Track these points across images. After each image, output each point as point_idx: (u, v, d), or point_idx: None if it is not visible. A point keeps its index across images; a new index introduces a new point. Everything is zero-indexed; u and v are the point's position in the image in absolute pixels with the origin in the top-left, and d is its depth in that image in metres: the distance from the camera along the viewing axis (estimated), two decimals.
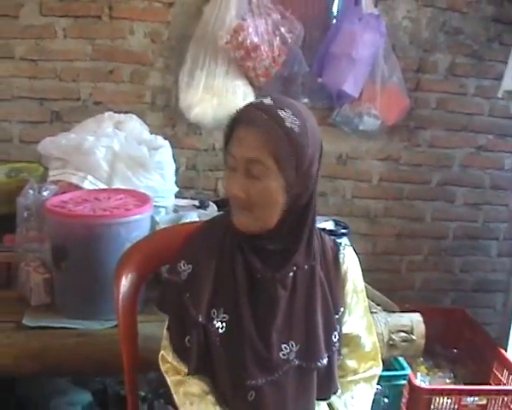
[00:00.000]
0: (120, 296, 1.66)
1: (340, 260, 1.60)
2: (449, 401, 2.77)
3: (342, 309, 1.58)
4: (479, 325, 3.40)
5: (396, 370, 2.72)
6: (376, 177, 3.39)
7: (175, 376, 1.55)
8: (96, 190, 2.19)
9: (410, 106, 3.25)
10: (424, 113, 3.35)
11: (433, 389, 2.78)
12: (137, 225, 1.93)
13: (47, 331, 1.90)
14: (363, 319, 1.65)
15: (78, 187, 2.22)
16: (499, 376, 3.05)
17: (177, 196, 2.55)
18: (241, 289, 1.47)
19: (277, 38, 2.92)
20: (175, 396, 1.55)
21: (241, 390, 1.47)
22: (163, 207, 2.34)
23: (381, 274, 3.35)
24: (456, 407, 2.78)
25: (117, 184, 2.24)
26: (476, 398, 2.83)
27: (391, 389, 2.68)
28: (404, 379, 2.70)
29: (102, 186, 2.24)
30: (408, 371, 2.71)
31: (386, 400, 2.70)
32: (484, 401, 2.80)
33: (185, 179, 3.07)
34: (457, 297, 3.67)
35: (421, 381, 3.03)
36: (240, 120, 1.37)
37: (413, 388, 2.76)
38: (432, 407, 2.75)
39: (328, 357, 1.52)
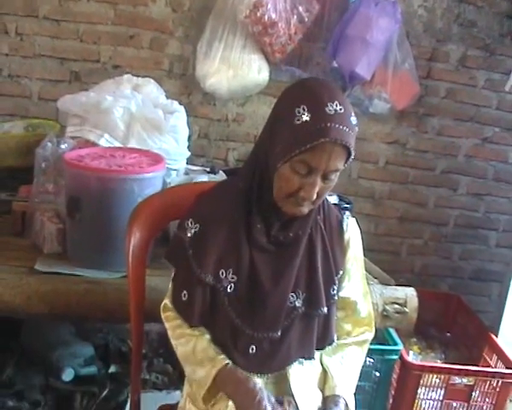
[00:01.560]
0: (131, 248, 1.75)
1: (344, 228, 1.69)
2: (438, 379, 2.86)
3: (342, 272, 1.67)
4: (473, 312, 3.46)
5: (389, 345, 2.81)
6: (383, 159, 3.45)
7: (175, 321, 1.64)
8: (111, 147, 2.28)
9: (421, 93, 3.31)
10: (433, 101, 3.40)
11: (424, 366, 2.85)
12: (150, 183, 2.02)
13: (57, 277, 2.00)
14: (360, 286, 1.74)
15: (94, 144, 2.31)
16: (488, 360, 3.12)
17: (188, 163, 2.64)
18: (256, 249, 1.56)
19: (295, 17, 2.98)
20: (172, 339, 1.65)
21: (244, 345, 1.57)
22: (175, 169, 2.42)
23: (381, 255, 3.41)
24: (444, 385, 2.85)
25: (132, 144, 2.33)
26: (464, 379, 2.92)
27: (383, 363, 2.76)
28: (396, 354, 2.77)
29: (118, 145, 2.32)
30: (400, 346, 2.79)
31: (377, 373, 2.79)
32: (471, 382, 2.87)
33: (197, 147, 3.15)
34: (454, 284, 3.73)
35: (413, 359, 3.11)
36: (322, 138, 1.36)
37: (404, 363, 2.84)
38: (421, 382, 2.83)
39: (327, 307, 1.62)
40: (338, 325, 1.72)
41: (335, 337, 1.70)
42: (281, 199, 1.50)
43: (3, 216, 2.34)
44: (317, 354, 1.68)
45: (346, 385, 1.64)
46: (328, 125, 1.37)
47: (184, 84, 3.15)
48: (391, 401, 2.94)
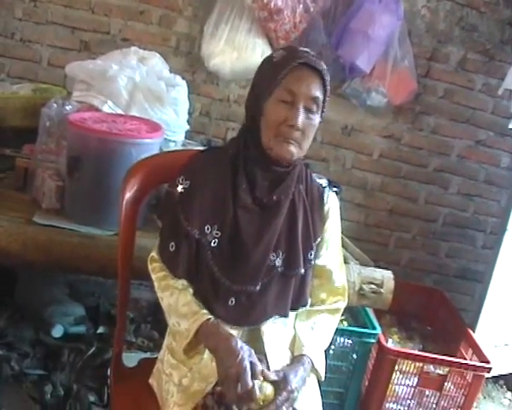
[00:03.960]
0: (124, 203, 1.85)
1: (325, 199, 1.80)
2: (412, 366, 2.95)
3: (320, 240, 1.78)
4: (454, 308, 3.53)
5: (368, 328, 2.90)
6: (377, 152, 3.54)
7: (160, 272, 1.74)
8: (114, 114, 2.37)
9: (418, 91, 3.39)
10: (431, 99, 3.49)
11: (399, 352, 2.93)
12: (147, 148, 2.11)
13: (53, 229, 2.10)
14: (336, 258, 1.85)
15: (98, 109, 2.40)
16: (464, 354, 3.21)
17: (187, 138, 2.73)
18: (240, 208, 1.66)
19: (301, 6, 3.07)
20: (157, 291, 1.75)
21: (224, 297, 1.67)
22: (173, 141, 2.51)
23: (369, 245, 3.49)
24: (418, 372, 2.94)
25: (133, 113, 2.41)
26: (438, 369, 3.02)
27: (360, 346, 2.85)
28: (374, 338, 2.86)
29: (120, 112, 2.41)
30: (378, 330, 2.88)
31: (354, 356, 2.89)
32: (444, 372, 2.96)
33: (198, 124, 3.24)
34: (439, 280, 3.82)
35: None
36: (301, 61, 1.57)
37: (381, 347, 2.92)
38: (396, 368, 2.91)
39: (304, 270, 1.73)
40: (313, 292, 1.82)
41: (309, 300, 1.80)
42: (269, 140, 1.62)
43: (7, 172, 2.42)
44: (291, 317, 1.78)
45: (313, 347, 1.73)
46: (303, 54, 1.60)
47: (189, 63, 3.23)
48: (366, 383, 3.04)
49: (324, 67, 1.60)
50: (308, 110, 1.60)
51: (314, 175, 1.82)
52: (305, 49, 1.63)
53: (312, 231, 1.75)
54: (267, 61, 1.65)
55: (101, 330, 2.98)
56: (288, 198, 1.70)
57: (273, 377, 1.58)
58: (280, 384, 1.58)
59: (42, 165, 2.31)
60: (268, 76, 1.60)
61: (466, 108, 3.55)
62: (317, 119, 1.63)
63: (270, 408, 1.55)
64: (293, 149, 1.62)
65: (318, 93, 1.59)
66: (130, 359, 2.14)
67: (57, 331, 2.87)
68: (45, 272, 3.02)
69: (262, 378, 1.56)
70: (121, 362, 2.01)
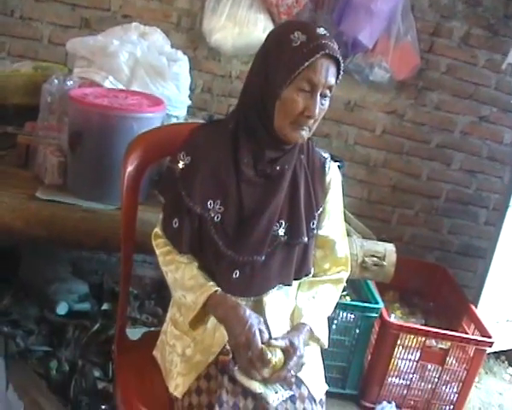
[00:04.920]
0: (126, 176, 1.86)
1: (326, 170, 1.80)
2: (414, 340, 2.97)
3: (321, 209, 1.78)
4: (457, 285, 3.56)
5: (370, 303, 2.92)
6: (380, 128, 3.52)
7: (165, 248, 1.75)
8: (115, 89, 2.37)
9: (421, 66, 3.37)
10: (434, 75, 3.47)
11: (402, 326, 2.96)
12: (149, 123, 2.10)
13: (56, 204, 2.11)
14: (339, 228, 1.85)
15: (99, 85, 2.39)
16: (466, 329, 3.23)
17: (189, 114, 2.73)
18: (243, 182, 1.67)
19: None
20: (162, 266, 1.75)
21: (228, 270, 1.67)
22: (175, 116, 2.51)
23: (372, 221, 3.47)
24: (420, 346, 2.97)
25: (135, 88, 2.41)
26: (441, 344, 3.04)
27: (363, 320, 2.89)
28: (377, 313, 2.90)
29: (121, 87, 2.41)
30: (381, 305, 2.91)
31: (357, 330, 2.91)
32: (447, 346, 2.98)
33: (199, 101, 3.23)
34: (441, 256, 3.82)
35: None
36: (321, 50, 1.53)
37: (383, 322, 2.95)
38: (398, 342, 2.94)
39: (307, 238, 1.73)
40: (316, 263, 1.83)
41: (312, 269, 1.81)
42: (285, 125, 1.61)
43: (8, 150, 2.42)
44: (293, 287, 1.79)
45: (313, 316, 1.73)
46: (323, 41, 1.55)
47: (191, 39, 3.21)
48: (369, 357, 3.06)
49: (338, 51, 1.58)
50: (323, 97, 1.60)
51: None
52: (322, 31, 1.58)
53: (314, 200, 1.75)
54: (285, 44, 1.56)
55: (105, 306, 3.00)
56: (291, 169, 1.70)
57: (281, 343, 1.59)
58: (288, 350, 1.59)
59: (43, 141, 2.31)
60: (288, 63, 1.55)
61: (469, 84, 3.53)
62: (328, 103, 1.63)
63: (281, 373, 1.57)
64: (304, 134, 1.63)
65: (334, 81, 1.59)
66: (135, 334, 2.17)
67: (62, 309, 2.89)
68: (48, 249, 3.04)
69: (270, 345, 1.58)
70: (125, 335, 2.03)
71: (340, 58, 1.57)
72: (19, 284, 2.99)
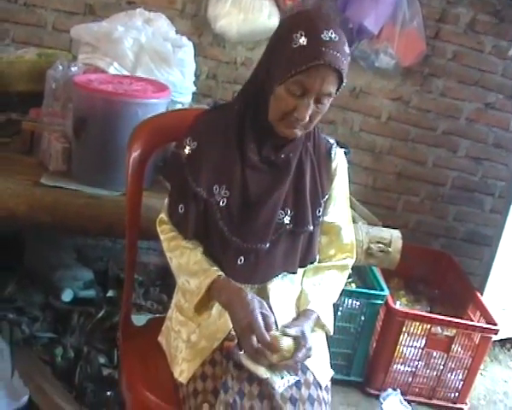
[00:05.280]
0: (130, 162, 1.86)
1: (332, 156, 1.79)
2: (420, 327, 2.96)
3: (327, 197, 1.78)
4: (462, 272, 3.55)
5: (375, 290, 2.92)
6: (385, 115, 3.50)
7: (169, 233, 1.75)
8: (120, 75, 2.36)
9: (427, 53, 3.35)
10: (440, 62, 3.44)
11: (407, 313, 2.95)
12: (154, 109, 2.10)
13: (60, 190, 2.11)
14: (344, 214, 1.84)
15: (103, 71, 2.39)
16: (472, 316, 3.22)
17: (194, 101, 2.72)
18: (248, 167, 1.66)
19: None
20: (166, 251, 1.75)
21: (233, 256, 1.67)
22: (180, 102, 2.50)
23: (377, 209, 3.43)
24: (425, 333, 2.96)
25: (140, 74, 2.41)
26: (446, 331, 3.03)
27: (368, 307, 2.88)
28: (382, 300, 2.89)
29: (126, 74, 2.40)
30: (386, 292, 2.90)
31: (362, 317, 2.91)
32: (452, 334, 2.98)
33: (204, 87, 3.22)
34: (447, 244, 3.80)
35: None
36: (317, 60, 1.48)
37: (389, 309, 2.94)
38: (404, 329, 2.94)
39: (312, 227, 1.72)
40: (322, 249, 1.83)
41: (317, 257, 1.80)
42: (276, 120, 1.61)
43: (13, 137, 2.41)
44: (299, 274, 1.79)
45: (319, 302, 1.73)
46: (323, 49, 1.49)
47: (195, 25, 3.19)
48: (374, 345, 3.06)
49: (344, 60, 1.52)
50: (318, 102, 1.56)
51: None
52: (328, 35, 1.49)
53: (320, 187, 1.74)
54: (286, 42, 1.52)
55: (110, 293, 3.00)
56: (296, 156, 1.69)
57: (293, 332, 1.58)
58: (299, 341, 1.58)
59: (48, 128, 2.31)
60: (284, 63, 1.52)
61: (475, 71, 3.50)
62: (326, 107, 1.60)
63: (289, 363, 1.56)
64: (298, 132, 1.62)
65: (332, 89, 1.55)
66: (140, 321, 2.18)
67: (67, 296, 2.89)
68: (53, 236, 3.04)
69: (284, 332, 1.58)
70: (130, 322, 2.03)
71: (342, 68, 1.51)
72: (23, 271, 2.99)
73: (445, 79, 3.50)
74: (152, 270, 3.34)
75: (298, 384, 1.61)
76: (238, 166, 1.65)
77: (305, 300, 1.73)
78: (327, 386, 1.72)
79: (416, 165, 3.64)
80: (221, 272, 1.65)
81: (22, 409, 2.31)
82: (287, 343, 1.55)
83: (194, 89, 2.62)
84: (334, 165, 1.79)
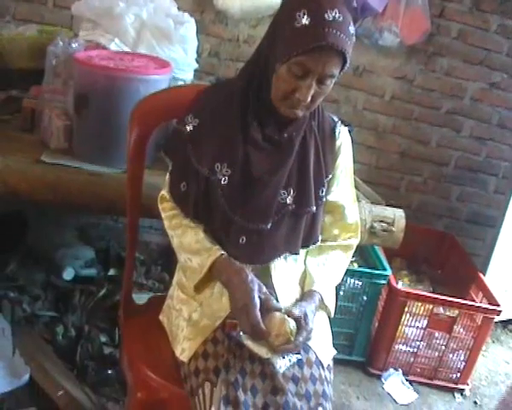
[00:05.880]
0: (132, 138, 1.83)
1: (336, 135, 1.77)
2: (422, 308, 2.96)
3: (331, 176, 1.76)
4: (465, 253, 3.54)
5: (378, 270, 2.90)
6: (389, 94, 3.47)
7: (171, 211, 1.73)
8: (121, 52, 2.33)
9: (432, 31, 3.30)
10: (444, 40, 3.40)
11: (409, 293, 2.94)
12: (155, 85, 2.06)
13: (61, 168, 2.09)
14: (349, 193, 1.83)
15: (105, 48, 2.36)
16: (474, 297, 3.22)
17: (196, 79, 2.70)
18: (251, 145, 1.64)
19: None
20: (168, 229, 1.74)
21: (235, 235, 1.66)
22: (181, 79, 2.48)
23: (380, 188, 3.39)
24: (427, 314, 2.96)
25: (141, 51, 2.37)
26: (448, 311, 3.02)
27: (370, 287, 2.87)
28: (385, 279, 2.88)
29: (127, 50, 2.37)
30: (389, 272, 2.89)
31: (364, 297, 2.90)
32: (454, 314, 2.97)
33: (207, 65, 3.19)
34: (450, 224, 3.79)
35: None
36: (320, 41, 1.44)
37: (391, 289, 2.93)
38: (406, 310, 2.93)
39: (315, 207, 1.71)
40: (326, 229, 1.81)
41: (320, 237, 1.78)
42: (278, 100, 1.58)
43: (14, 114, 2.39)
44: (302, 253, 1.77)
45: (323, 283, 1.72)
46: (326, 30, 1.45)
47: (197, 2, 3.15)
48: (376, 324, 3.05)
49: (348, 41, 1.48)
50: (321, 83, 1.53)
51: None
52: (332, 15, 1.45)
53: (324, 167, 1.72)
54: (289, 20, 1.49)
55: (111, 272, 2.99)
56: (300, 135, 1.67)
57: (296, 313, 1.58)
58: (301, 322, 1.57)
59: (49, 105, 2.28)
60: (286, 42, 1.49)
61: (480, 50, 3.46)
62: (329, 87, 1.57)
63: (289, 346, 1.55)
64: (299, 112, 1.60)
65: (335, 70, 1.51)
66: (141, 300, 2.17)
67: (68, 274, 2.89)
68: (55, 215, 3.03)
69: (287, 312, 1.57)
70: (131, 300, 2.03)
71: (346, 49, 1.47)
72: (25, 250, 2.98)
73: (450, 57, 3.46)
74: (154, 249, 3.34)
75: (300, 363, 1.60)
76: (240, 145, 1.63)
77: (309, 280, 1.73)
78: (329, 365, 1.72)
79: (419, 144, 3.61)
80: (223, 252, 1.64)
81: (23, 388, 2.31)
82: (288, 326, 1.55)
83: (196, 66, 2.60)
84: (338, 143, 1.77)
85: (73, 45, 2.30)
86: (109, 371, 2.47)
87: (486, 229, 3.80)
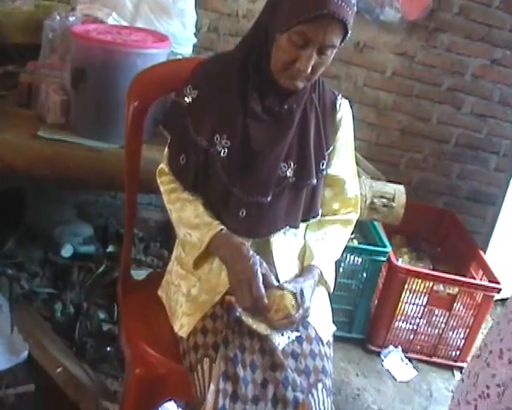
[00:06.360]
0: (130, 112, 1.81)
1: (337, 107, 1.76)
2: (422, 285, 2.95)
3: (332, 149, 1.74)
4: (465, 230, 3.53)
5: (378, 247, 2.89)
6: (390, 70, 3.43)
7: (170, 185, 1.71)
8: (119, 26, 2.30)
9: (433, 7, 3.27)
10: (446, 16, 3.36)
11: (409, 270, 2.93)
12: (153, 59, 2.03)
13: (59, 143, 2.08)
14: (349, 167, 1.81)
15: (102, 22, 2.33)
16: (474, 274, 3.21)
17: (195, 54, 2.67)
18: (251, 117, 1.61)
19: None
20: (167, 204, 1.73)
21: (235, 208, 1.64)
22: (180, 54, 2.45)
23: (380, 165, 3.35)
24: (427, 291, 2.95)
25: (139, 25, 2.34)
26: (448, 289, 3.02)
27: (370, 264, 2.86)
28: (384, 256, 2.87)
29: (125, 24, 2.34)
30: (389, 249, 2.88)
31: (364, 274, 2.89)
32: (454, 292, 2.96)
33: (205, 41, 3.15)
34: (450, 202, 3.77)
35: None
36: (321, 10, 1.42)
37: (391, 266, 2.92)
38: (406, 287, 2.92)
39: (316, 180, 1.69)
40: (326, 204, 1.80)
41: (320, 211, 1.77)
42: (277, 71, 1.56)
43: (10, 89, 2.37)
44: (301, 227, 1.75)
45: (323, 258, 1.71)
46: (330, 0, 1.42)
47: None
48: (375, 302, 3.05)
49: (349, 10, 1.46)
50: (321, 53, 1.51)
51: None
52: None
53: (324, 140, 1.71)
54: None
55: (110, 249, 2.98)
56: (300, 107, 1.65)
57: (291, 288, 1.57)
58: (297, 298, 1.56)
59: (46, 80, 2.25)
60: (286, 12, 1.48)
61: (482, 26, 3.42)
62: (330, 58, 1.55)
63: (288, 321, 1.54)
64: (299, 83, 1.58)
65: (336, 40, 1.50)
66: (140, 276, 2.19)
67: (66, 251, 2.88)
68: (54, 191, 3.01)
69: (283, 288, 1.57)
70: (129, 276, 2.02)
71: (347, 18, 1.46)
72: (24, 227, 2.97)
73: (451, 33, 3.41)
74: (152, 226, 3.33)
75: (299, 339, 1.59)
76: (240, 116, 1.61)
77: (309, 255, 1.71)
78: (329, 341, 1.71)
79: (419, 121, 3.58)
80: (223, 226, 1.63)
81: (22, 365, 2.31)
82: (286, 301, 1.54)
83: (194, 41, 2.57)
84: (339, 116, 1.75)
85: (70, 19, 2.27)
86: (108, 348, 2.47)
87: (487, 207, 3.79)
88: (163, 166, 1.74)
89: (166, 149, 1.74)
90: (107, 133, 2.11)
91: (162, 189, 1.73)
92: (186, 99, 1.65)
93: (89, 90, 2.09)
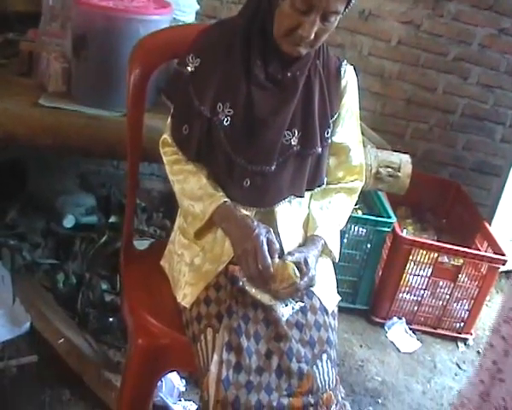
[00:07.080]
0: (131, 79, 1.78)
1: (342, 74, 1.72)
2: (427, 256, 2.93)
3: (336, 116, 1.71)
4: (471, 201, 3.51)
5: (382, 217, 2.87)
6: (395, 39, 3.38)
7: (173, 156, 1.69)
8: None
9: None
10: None
11: (414, 241, 2.91)
12: (155, 26, 2.00)
13: (60, 111, 2.05)
14: (354, 135, 1.78)
15: None
16: (479, 246, 3.19)
17: (197, 21, 2.63)
18: (254, 85, 1.58)
19: None
20: (169, 175, 1.70)
21: (239, 178, 1.62)
22: (182, 21, 2.41)
23: (385, 136, 3.30)
24: (432, 262, 2.94)
25: None
26: (453, 260, 3.00)
27: (375, 235, 2.84)
28: (389, 227, 2.85)
29: None
30: (393, 219, 2.85)
31: (368, 245, 2.87)
32: (459, 263, 2.95)
33: (208, 8, 3.11)
34: (455, 173, 3.74)
35: None
36: None
37: (396, 236, 2.91)
38: (410, 258, 2.91)
39: (321, 148, 1.66)
40: (330, 172, 1.77)
41: (325, 180, 1.75)
42: (280, 37, 1.53)
43: (11, 58, 2.34)
44: (306, 196, 1.73)
45: (327, 227, 1.69)
46: None
47: None
48: (380, 273, 3.03)
49: None
50: (325, 19, 1.48)
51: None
52: None
53: (329, 107, 1.68)
54: None
55: (112, 219, 2.96)
56: (304, 74, 1.62)
57: (296, 258, 1.55)
58: (301, 267, 1.54)
59: (47, 48, 2.23)
60: None
61: None
62: (334, 24, 1.52)
63: (292, 289, 1.53)
64: (302, 50, 1.55)
65: (339, 6, 1.47)
66: (142, 246, 2.16)
67: (69, 222, 2.86)
68: (56, 161, 2.99)
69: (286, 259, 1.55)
70: (132, 246, 2.00)
71: None
72: (26, 198, 2.95)
73: (458, 2, 3.35)
74: (155, 196, 3.31)
75: (304, 310, 1.58)
76: (243, 84, 1.58)
77: (312, 224, 1.69)
78: (333, 312, 1.69)
79: (425, 91, 3.53)
80: (227, 198, 1.61)
81: (24, 336, 2.31)
82: (290, 271, 1.52)
83: (197, 8, 2.52)
84: (343, 83, 1.72)
85: None
86: (110, 319, 2.46)
87: (492, 178, 3.75)
88: (166, 136, 1.71)
89: (169, 120, 1.71)
90: (108, 101, 2.09)
91: (165, 160, 1.71)
92: (188, 68, 1.62)
93: (90, 58, 2.06)
